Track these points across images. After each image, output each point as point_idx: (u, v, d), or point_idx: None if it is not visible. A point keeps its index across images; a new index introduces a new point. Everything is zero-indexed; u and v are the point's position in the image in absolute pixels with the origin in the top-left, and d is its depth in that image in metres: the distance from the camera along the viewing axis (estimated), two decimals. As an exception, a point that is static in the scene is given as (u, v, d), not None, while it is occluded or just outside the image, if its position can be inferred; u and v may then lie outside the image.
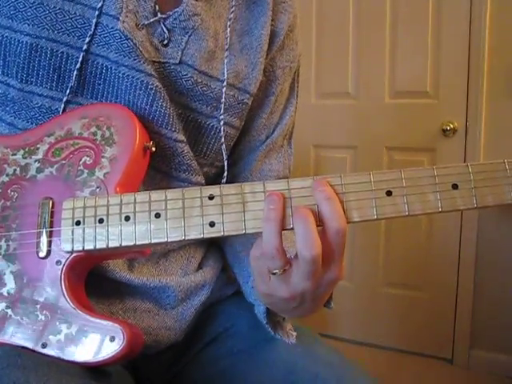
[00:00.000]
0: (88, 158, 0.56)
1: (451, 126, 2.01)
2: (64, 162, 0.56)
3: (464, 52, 1.97)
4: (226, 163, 0.67)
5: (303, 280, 0.48)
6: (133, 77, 0.59)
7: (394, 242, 2.23)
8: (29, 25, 0.58)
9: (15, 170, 0.57)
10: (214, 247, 0.78)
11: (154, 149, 0.59)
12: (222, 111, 0.65)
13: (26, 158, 0.57)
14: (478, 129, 1.97)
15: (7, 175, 0.57)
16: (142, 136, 0.57)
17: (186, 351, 0.72)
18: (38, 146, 0.58)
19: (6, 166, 0.57)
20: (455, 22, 1.97)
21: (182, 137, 0.63)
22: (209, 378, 0.69)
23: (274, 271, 0.49)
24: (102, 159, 0.56)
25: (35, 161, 0.57)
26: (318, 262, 0.47)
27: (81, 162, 0.56)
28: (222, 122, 0.65)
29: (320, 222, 0.49)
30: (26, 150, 0.58)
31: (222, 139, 0.66)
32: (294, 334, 0.62)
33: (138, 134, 0.57)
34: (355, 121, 2.22)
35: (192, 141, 0.66)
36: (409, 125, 2.11)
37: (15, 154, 0.58)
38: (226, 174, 0.67)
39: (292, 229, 0.48)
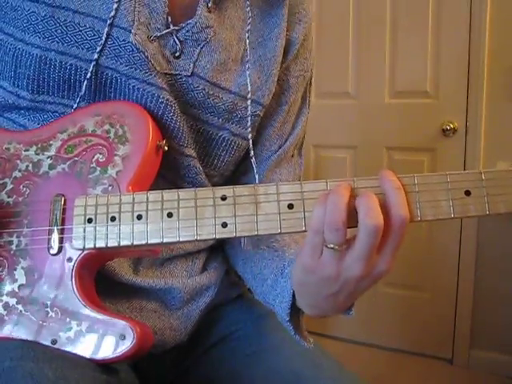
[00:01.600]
0: (101, 156, 0.56)
1: (451, 125, 2.01)
2: (76, 158, 0.56)
3: (464, 52, 1.97)
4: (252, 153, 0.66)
5: (358, 259, 0.47)
6: (143, 90, 0.59)
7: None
8: (39, 37, 0.58)
9: (28, 166, 0.57)
10: (218, 249, 0.77)
11: (166, 148, 0.59)
12: (249, 124, 0.66)
13: (38, 154, 0.57)
14: (477, 129, 1.97)
15: (19, 171, 0.57)
16: (154, 135, 0.57)
17: (190, 353, 0.72)
18: (51, 142, 0.58)
19: (18, 161, 0.57)
20: (455, 22, 1.97)
21: (190, 151, 0.63)
22: (212, 380, 0.69)
23: (331, 245, 0.47)
24: (115, 157, 0.56)
25: (48, 157, 0.57)
26: (378, 235, 0.46)
27: (93, 160, 0.56)
28: (249, 136, 0.66)
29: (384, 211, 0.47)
30: (39, 146, 0.58)
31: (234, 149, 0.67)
32: (311, 340, 0.60)
33: (151, 132, 0.57)
34: (355, 121, 2.22)
35: (203, 153, 0.66)
36: (409, 125, 2.11)
37: (28, 150, 0.58)
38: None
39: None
